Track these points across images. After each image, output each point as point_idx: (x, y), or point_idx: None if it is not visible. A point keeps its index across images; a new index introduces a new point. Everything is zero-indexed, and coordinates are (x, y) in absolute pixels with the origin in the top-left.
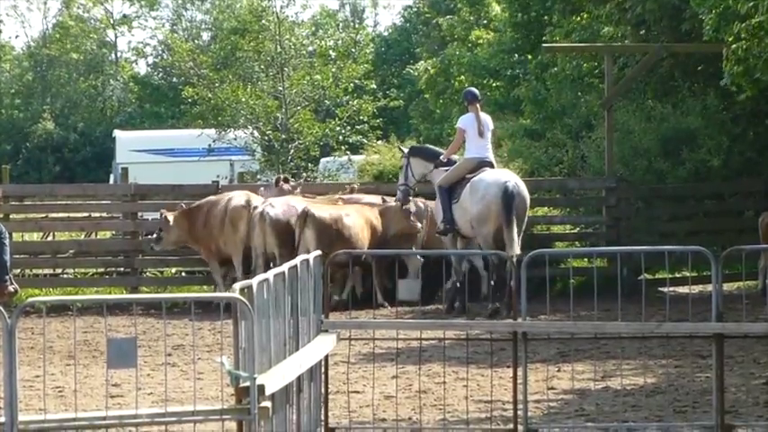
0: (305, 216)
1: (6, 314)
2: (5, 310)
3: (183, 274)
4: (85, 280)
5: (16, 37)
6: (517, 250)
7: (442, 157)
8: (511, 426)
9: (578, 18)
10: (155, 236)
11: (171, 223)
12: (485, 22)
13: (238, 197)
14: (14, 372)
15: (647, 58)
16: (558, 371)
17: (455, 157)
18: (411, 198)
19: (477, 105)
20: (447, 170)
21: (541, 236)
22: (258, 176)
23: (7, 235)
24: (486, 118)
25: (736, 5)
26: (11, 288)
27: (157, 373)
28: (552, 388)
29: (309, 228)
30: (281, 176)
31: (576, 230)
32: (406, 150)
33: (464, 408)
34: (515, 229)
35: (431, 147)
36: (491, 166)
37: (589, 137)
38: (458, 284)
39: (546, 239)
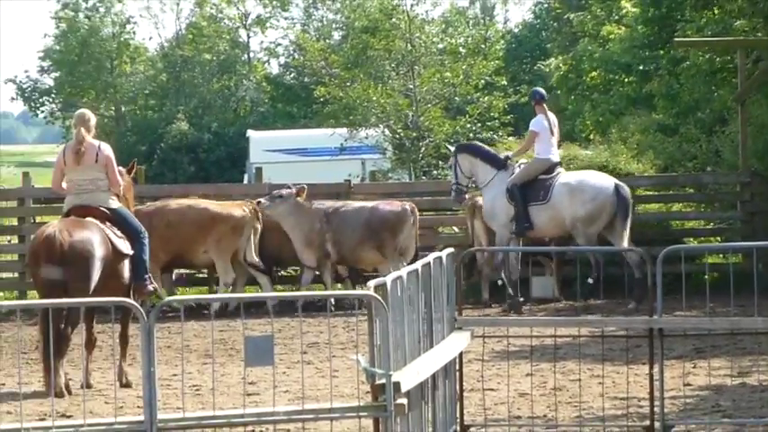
0: (473, 207)
1: (145, 314)
2: (143, 309)
3: (317, 272)
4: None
5: (150, 38)
6: (626, 243)
7: (511, 156)
8: (647, 422)
9: (710, 12)
10: None
11: None
12: (616, 17)
13: (228, 206)
14: (153, 371)
15: None
16: (694, 367)
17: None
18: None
19: (545, 105)
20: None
21: (676, 232)
22: (389, 174)
23: (146, 234)
24: (553, 117)
25: None
26: (150, 287)
27: (293, 371)
28: (688, 384)
29: (477, 219)
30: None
31: (710, 226)
32: (452, 148)
33: (599, 405)
34: (628, 230)
35: (477, 143)
36: (560, 165)
37: (723, 131)
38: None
39: (680, 235)
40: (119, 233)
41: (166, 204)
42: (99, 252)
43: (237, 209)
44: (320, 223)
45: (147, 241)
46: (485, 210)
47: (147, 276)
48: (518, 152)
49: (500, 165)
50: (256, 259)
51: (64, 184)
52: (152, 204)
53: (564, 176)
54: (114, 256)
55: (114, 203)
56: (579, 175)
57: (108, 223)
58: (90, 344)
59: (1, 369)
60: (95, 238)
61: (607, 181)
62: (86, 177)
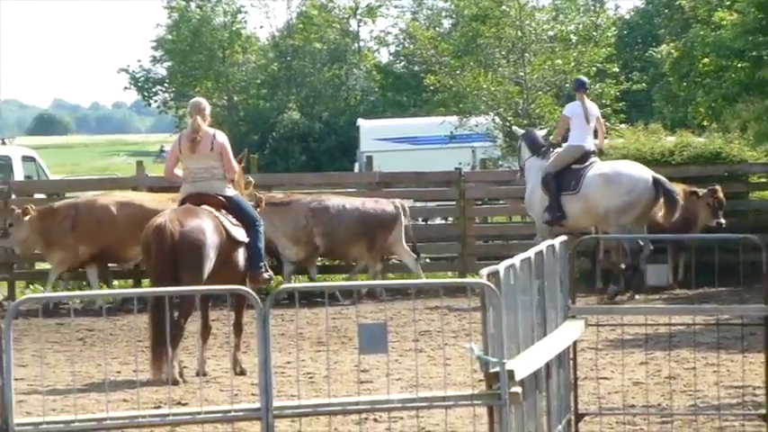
0: None
1: (260, 301)
2: (258, 296)
3: (428, 260)
4: (333, 267)
5: (261, 28)
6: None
7: (551, 139)
8: (763, 411)
9: None
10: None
11: (24, 220)
12: (728, 2)
13: (164, 201)
14: (269, 358)
15: None
16: None
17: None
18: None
19: (585, 94)
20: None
21: None
22: (500, 162)
23: (261, 222)
24: (593, 106)
25: None
26: (265, 275)
27: (405, 359)
28: None
29: None
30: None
31: None
32: (521, 132)
33: (715, 394)
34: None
35: (533, 131)
36: (594, 154)
37: None
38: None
39: None
40: (234, 221)
41: (97, 200)
42: (211, 240)
43: (173, 204)
44: (306, 219)
45: (262, 229)
46: (525, 198)
47: (262, 264)
48: (555, 135)
49: (538, 151)
50: None
51: (177, 171)
52: (81, 198)
53: (597, 166)
54: (229, 243)
55: (230, 191)
56: (614, 165)
57: (223, 211)
58: (205, 332)
59: (116, 357)
60: (207, 225)
61: (644, 172)
62: (202, 166)
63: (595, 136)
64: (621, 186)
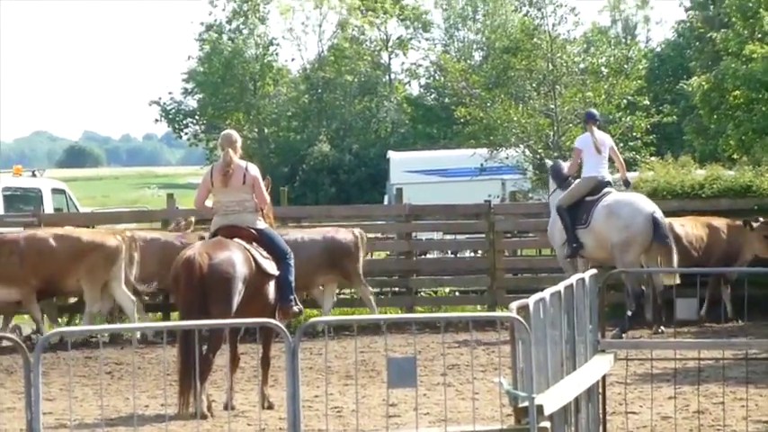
0: None
1: (289, 335)
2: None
3: (457, 293)
4: (362, 300)
5: (292, 60)
6: (676, 280)
7: (567, 175)
8: None
9: None
10: None
11: None
12: (759, 35)
13: (101, 235)
14: (297, 392)
15: None
16: None
17: None
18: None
19: (594, 125)
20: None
21: None
22: (530, 195)
23: (292, 255)
24: (604, 137)
25: None
26: (295, 308)
27: (433, 393)
28: None
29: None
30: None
31: None
32: (550, 164)
33: (743, 428)
34: (675, 257)
35: (560, 162)
36: (609, 185)
37: None
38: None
39: None
40: (265, 254)
41: (37, 233)
42: (240, 272)
43: (111, 238)
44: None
45: (292, 262)
46: (548, 231)
47: (292, 297)
48: (569, 171)
49: (562, 183)
50: (140, 286)
51: (208, 203)
52: (24, 231)
53: (607, 198)
54: (259, 276)
55: (261, 224)
56: (619, 197)
57: (254, 243)
58: (233, 365)
59: (145, 391)
60: (237, 257)
61: (644, 207)
62: (234, 199)
63: (613, 166)
64: (620, 220)
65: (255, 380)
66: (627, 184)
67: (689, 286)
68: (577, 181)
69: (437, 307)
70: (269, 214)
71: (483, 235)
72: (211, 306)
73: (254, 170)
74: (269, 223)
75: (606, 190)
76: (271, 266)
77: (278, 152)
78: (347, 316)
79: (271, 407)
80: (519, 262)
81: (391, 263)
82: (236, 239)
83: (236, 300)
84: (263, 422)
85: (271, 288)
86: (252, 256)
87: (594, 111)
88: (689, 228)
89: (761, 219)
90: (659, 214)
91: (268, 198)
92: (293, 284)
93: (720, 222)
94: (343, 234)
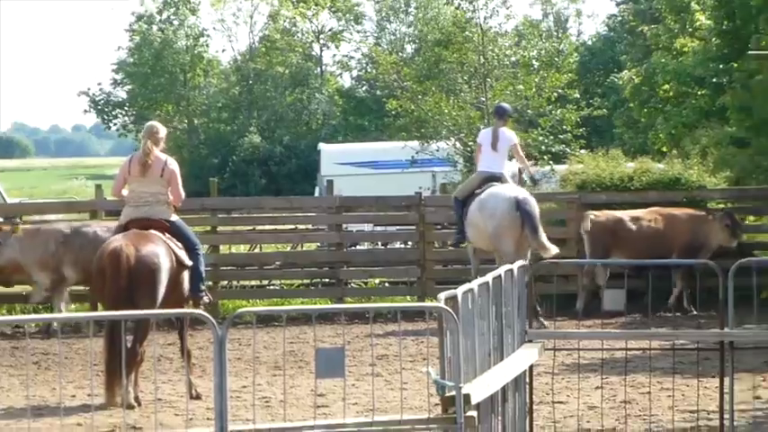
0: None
1: (217, 325)
2: (216, 320)
3: (387, 284)
4: (291, 291)
5: (223, 51)
6: (553, 250)
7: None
8: None
9: None
10: None
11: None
12: (690, 30)
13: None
14: (225, 382)
15: None
16: (764, 380)
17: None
18: None
19: (501, 120)
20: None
21: (749, 244)
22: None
23: (201, 246)
24: (504, 132)
25: None
26: (205, 299)
27: (362, 383)
28: (758, 397)
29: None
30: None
31: None
32: None
33: (669, 418)
34: (542, 234)
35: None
36: (501, 180)
37: None
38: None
39: (753, 248)
40: (179, 244)
41: None
42: (164, 264)
43: None
44: (56, 245)
45: (202, 253)
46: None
47: (203, 288)
48: (477, 162)
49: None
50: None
51: (125, 192)
52: None
53: (482, 191)
54: (178, 267)
55: (173, 216)
56: (492, 190)
57: (167, 234)
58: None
59: (72, 381)
60: (161, 250)
61: (508, 195)
62: (149, 190)
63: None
64: (487, 211)
65: (183, 370)
66: (534, 181)
67: (616, 278)
68: (472, 175)
69: (367, 298)
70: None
71: (413, 227)
72: (138, 297)
73: (173, 165)
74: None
75: (489, 184)
76: (186, 257)
77: (208, 143)
78: (276, 306)
79: (198, 397)
80: (449, 253)
81: (322, 254)
82: (151, 231)
83: (162, 291)
84: (190, 412)
85: (185, 279)
86: (171, 247)
87: (504, 105)
88: (647, 220)
89: (724, 208)
90: (523, 198)
91: (183, 195)
92: (204, 275)
93: (683, 213)
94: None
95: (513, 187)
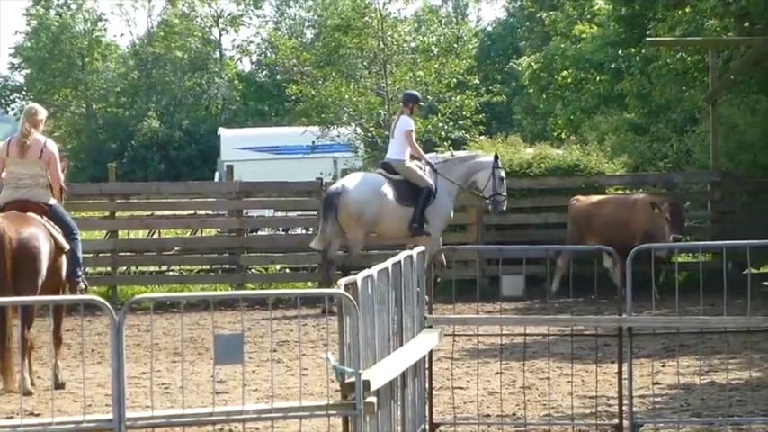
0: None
1: (114, 311)
2: (113, 306)
3: (288, 270)
4: (191, 277)
5: (121, 35)
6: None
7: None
8: (615, 421)
9: (682, 11)
10: None
11: None
12: (588, 16)
13: None
14: (122, 368)
15: (751, 52)
16: (663, 366)
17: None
18: None
19: (405, 107)
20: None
21: None
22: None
23: (78, 231)
24: (401, 120)
25: None
26: (82, 284)
27: (263, 370)
28: (657, 383)
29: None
30: None
31: None
32: None
33: (568, 403)
34: (330, 228)
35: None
36: (389, 167)
37: (693, 131)
38: None
39: None
40: (58, 228)
41: None
42: (45, 247)
43: None
44: None
45: (79, 238)
46: None
47: (81, 273)
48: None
49: None
50: None
51: (3, 174)
52: None
53: None
54: (56, 251)
55: (52, 200)
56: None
57: (45, 218)
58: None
59: None
60: (41, 233)
61: (338, 184)
62: (28, 172)
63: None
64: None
65: (81, 356)
66: (433, 168)
67: (514, 263)
68: None
69: (267, 284)
70: (58, 195)
71: (314, 212)
72: (20, 281)
73: (52, 147)
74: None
75: (376, 171)
76: (64, 242)
77: (106, 128)
78: (175, 293)
79: (62, 385)
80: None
81: (222, 240)
82: (29, 214)
83: (43, 274)
84: (88, 398)
85: (63, 263)
86: (50, 230)
87: (409, 93)
88: (606, 208)
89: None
90: (342, 189)
91: (62, 177)
92: (81, 260)
93: (644, 202)
94: None
95: (355, 178)
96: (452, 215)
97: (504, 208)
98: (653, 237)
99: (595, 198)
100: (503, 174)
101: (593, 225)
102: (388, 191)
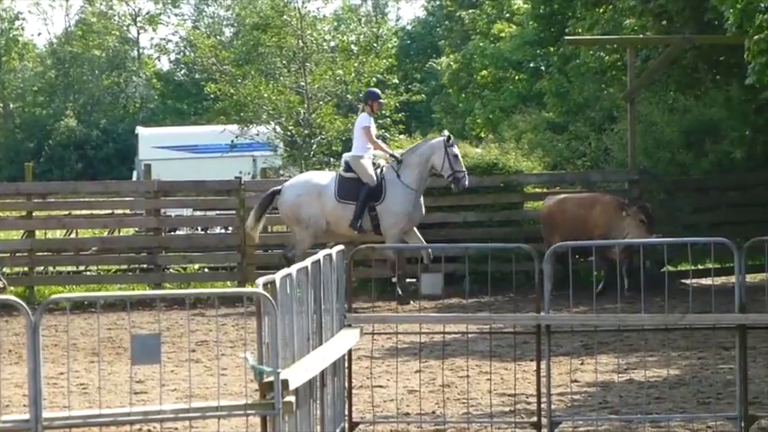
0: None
1: (30, 311)
2: (30, 307)
3: (206, 270)
4: (109, 277)
5: (39, 34)
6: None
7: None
8: (534, 419)
9: (601, 10)
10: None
11: None
12: (507, 15)
13: None
14: (39, 369)
15: (669, 50)
16: (582, 363)
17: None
18: None
19: (366, 106)
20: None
21: None
22: (281, 172)
23: None
24: (360, 117)
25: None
26: (0, 284)
27: (181, 369)
28: (576, 381)
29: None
30: None
31: None
32: None
33: (488, 401)
34: (258, 225)
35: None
36: (347, 164)
37: (612, 129)
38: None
39: None
40: None
41: None
42: None
43: None
44: None
45: None
46: None
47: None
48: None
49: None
50: None
51: None
52: None
53: None
54: None
55: None
56: None
57: None
58: None
59: None
60: None
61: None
62: None
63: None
64: None
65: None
66: (398, 160)
67: (433, 262)
68: None
69: (186, 283)
70: None
71: (233, 212)
72: None
73: None
74: None
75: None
76: None
77: (23, 127)
78: (92, 293)
79: None
80: (270, 238)
81: (139, 239)
82: None
83: None
84: (6, 399)
85: None
86: None
87: (373, 90)
88: (569, 206)
89: (646, 203)
90: (282, 189)
91: None
92: (1, 260)
93: (604, 202)
94: None
95: (298, 177)
96: (421, 212)
97: (468, 183)
98: (612, 237)
99: (560, 197)
100: (456, 151)
101: (556, 222)
102: (330, 189)
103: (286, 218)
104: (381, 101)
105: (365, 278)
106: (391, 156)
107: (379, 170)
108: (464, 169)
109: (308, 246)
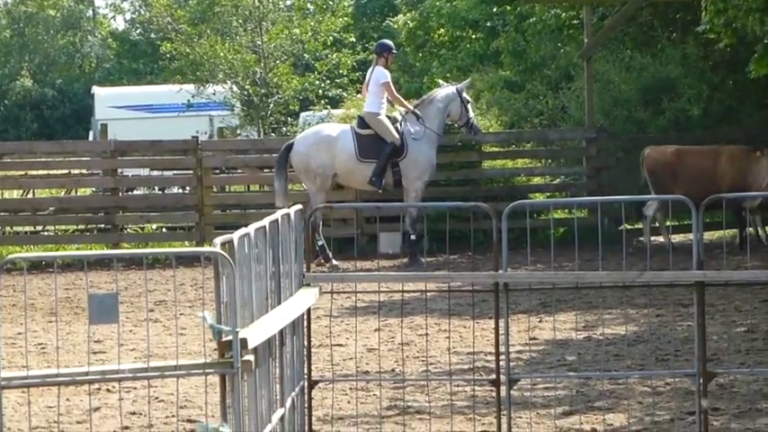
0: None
1: None
2: None
3: (164, 230)
4: (66, 237)
5: None
6: (314, 204)
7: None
8: (493, 376)
9: None
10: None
11: None
12: None
13: None
14: None
15: (625, 8)
16: (540, 321)
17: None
18: None
19: (379, 57)
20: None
21: (522, 187)
22: (238, 131)
23: None
24: (375, 71)
25: None
26: None
27: (139, 329)
28: (534, 338)
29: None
30: None
31: (556, 181)
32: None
33: (446, 359)
34: (279, 182)
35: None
36: (362, 121)
37: (569, 88)
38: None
39: (526, 191)
40: None
41: None
42: None
43: None
44: None
45: None
46: None
47: None
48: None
49: None
50: None
51: None
52: None
53: None
54: None
55: None
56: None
57: None
58: None
59: None
60: None
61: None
62: None
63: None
64: None
65: None
66: (418, 116)
67: (391, 221)
68: None
69: (144, 243)
70: None
71: (191, 171)
72: None
73: None
74: None
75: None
76: None
77: None
78: (49, 252)
79: None
80: (227, 198)
81: (96, 199)
82: None
83: None
84: None
85: None
86: None
87: (385, 42)
88: (690, 158)
89: None
90: (292, 144)
91: None
92: None
93: (730, 149)
94: None
95: (309, 130)
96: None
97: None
98: (746, 186)
99: (671, 148)
100: (469, 98)
101: (677, 175)
102: (347, 145)
103: (297, 171)
104: (394, 51)
105: (324, 237)
106: (411, 112)
107: (398, 125)
108: (473, 115)
109: (321, 201)
